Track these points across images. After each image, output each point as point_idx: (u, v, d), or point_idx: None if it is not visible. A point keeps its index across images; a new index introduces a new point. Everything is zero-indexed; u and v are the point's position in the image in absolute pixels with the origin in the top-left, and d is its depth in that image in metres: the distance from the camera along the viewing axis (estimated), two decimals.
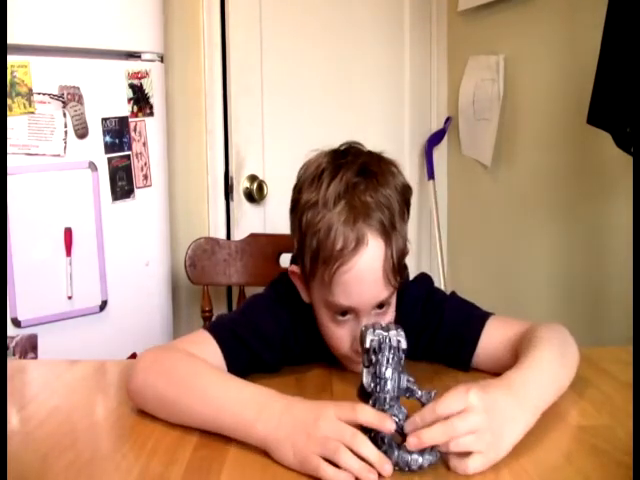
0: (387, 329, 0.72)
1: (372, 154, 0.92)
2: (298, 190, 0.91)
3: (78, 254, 1.52)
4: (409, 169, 2.22)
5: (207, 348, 0.89)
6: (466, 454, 0.68)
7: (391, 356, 0.71)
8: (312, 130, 2.03)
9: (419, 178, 2.28)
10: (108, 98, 1.55)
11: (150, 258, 1.66)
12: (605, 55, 1.37)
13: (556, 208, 1.86)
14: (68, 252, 1.50)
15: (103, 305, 1.57)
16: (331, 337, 0.93)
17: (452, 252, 2.31)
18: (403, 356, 0.72)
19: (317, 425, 0.69)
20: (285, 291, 0.99)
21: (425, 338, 0.98)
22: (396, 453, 0.68)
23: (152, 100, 1.62)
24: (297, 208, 0.90)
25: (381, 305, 0.90)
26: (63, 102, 1.48)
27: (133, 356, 1.56)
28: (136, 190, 1.61)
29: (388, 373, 0.70)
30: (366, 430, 0.69)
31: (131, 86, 1.58)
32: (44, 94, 1.45)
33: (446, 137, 2.30)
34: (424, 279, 1.04)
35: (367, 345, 0.71)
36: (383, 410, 0.70)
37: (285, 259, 1.56)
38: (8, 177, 1.39)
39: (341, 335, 0.92)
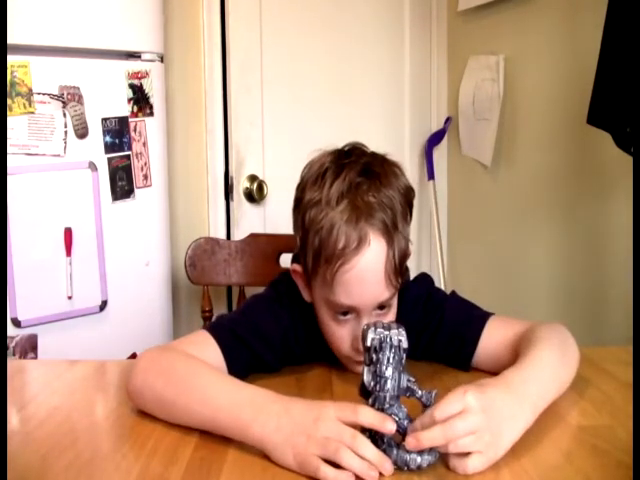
0: (388, 328, 0.72)
1: (376, 155, 0.93)
2: (301, 189, 0.91)
3: (78, 254, 1.52)
4: (409, 169, 2.22)
5: (207, 348, 0.89)
6: (465, 454, 0.68)
7: (392, 355, 0.71)
8: (312, 130, 2.03)
9: (419, 178, 2.28)
10: (108, 98, 1.55)
11: (150, 258, 1.65)
12: (605, 55, 1.37)
13: (556, 208, 1.86)
14: (68, 252, 1.50)
15: (103, 305, 1.57)
16: (332, 336, 0.93)
17: (452, 252, 2.31)
18: (404, 356, 0.72)
19: (317, 426, 0.69)
20: (285, 291, 0.99)
21: (425, 338, 0.98)
22: (395, 452, 0.68)
23: (152, 100, 1.62)
24: (300, 206, 0.90)
25: (382, 306, 0.90)
26: (63, 102, 1.48)
27: (133, 356, 1.56)
28: (136, 190, 1.61)
29: (388, 372, 0.70)
30: (365, 428, 0.69)
31: (131, 86, 1.58)
32: (44, 94, 1.45)
33: (446, 137, 2.30)
34: (424, 279, 1.04)
35: (368, 343, 0.71)
36: (383, 409, 0.70)
37: (285, 259, 1.56)
38: (8, 177, 1.39)
39: (342, 334, 0.92)
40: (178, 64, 1.89)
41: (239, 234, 1.91)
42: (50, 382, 1.00)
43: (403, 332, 0.72)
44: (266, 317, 0.95)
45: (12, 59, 1.39)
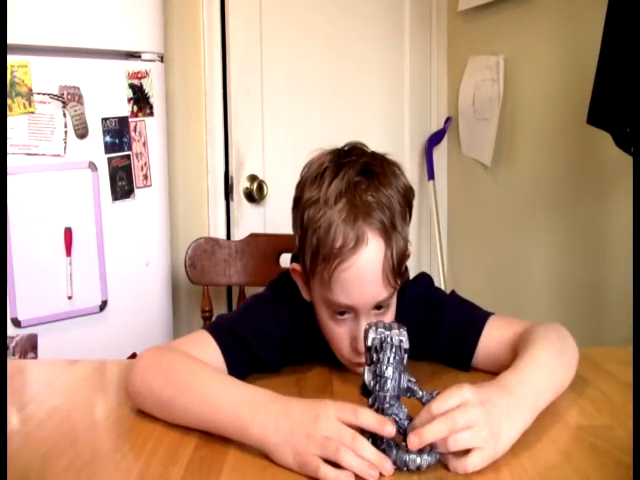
0: (390, 328, 0.72)
1: (375, 155, 0.92)
2: (300, 188, 0.91)
3: (78, 254, 1.52)
4: (409, 169, 2.22)
5: (207, 348, 0.89)
6: (464, 453, 0.68)
7: (392, 355, 0.71)
8: (312, 130, 2.03)
9: (419, 178, 2.28)
10: (108, 98, 1.55)
11: (150, 258, 1.66)
12: (605, 55, 1.37)
13: (556, 208, 1.86)
14: (68, 252, 1.50)
15: (103, 305, 1.57)
16: (331, 336, 0.93)
17: (452, 252, 2.31)
18: (405, 356, 0.72)
19: (316, 426, 0.68)
20: (285, 291, 0.99)
21: (425, 338, 0.98)
22: (394, 452, 0.68)
23: (152, 100, 1.62)
24: (299, 205, 0.90)
25: (380, 306, 0.90)
26: (63, 102, 1.48)
27: (133, 356, 1.56)
28: (136, 190, 1.61)
29: (388, 372, 0.70)
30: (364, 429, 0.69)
31: (131, 86, 1.58)
32: (44, 94, 1.45)
33: (446, 137, 2.30)
34: (424, 278, 1.04)
35: (369, 343, 0.72)
36: (383, 408, 0.70)
37: (285, 259, 1.56)
38: (8, 177, 1.39)
39: (340, 334, 0.92)
40: (178, 64, 1.89)
41: (239, 234, 1.91)
42: (50, 382, 1.00)
43: (404, 332, 0.72)
44: (266, 317, 0.95)
45: (12, 59, 1.39)
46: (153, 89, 1.62)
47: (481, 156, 2.11)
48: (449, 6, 2.25)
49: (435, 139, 2.28)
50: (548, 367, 0.82)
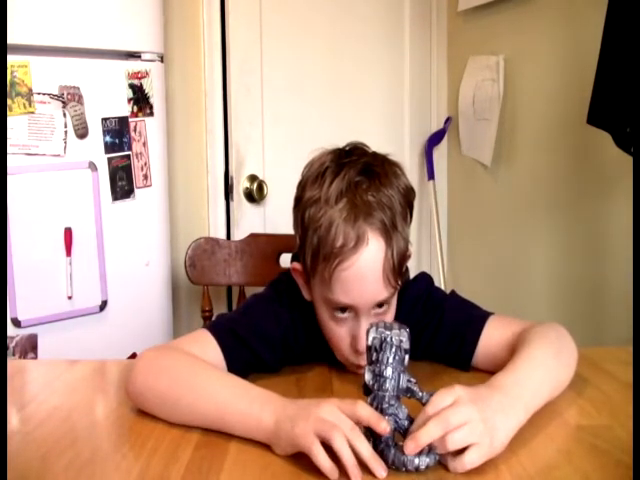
0: (390, 328, 0.72)
1: (376, 155, 0.93)
2: (301, 187, 0.91)
3: (78, 254, 1.52)
4: (409, 169, 2.22)
5: (207, 347, 0.90)
6: (462, 451, 0.68)
7: (392, 355, 0.71)
8: (312, 130, 2.03)
9: (419, 178, 2.28)
10: (108, 98, 1.55)
11: (150, 258, 1.66)
12: (605, 55, 1.37)
13: (556, 208, 1.86)
14: (68, 252, 1.50)
15: (103, 305, 1.57)
16: (332, 336, 0.93)
17: (452, 252, 2.31)
18: (406, 356, 0.72)
19: (318, 409, 0.69)
20: (285, 290, 0.99)
21: (425, 338, 0.98)
22: (392, 452, 0.68)
23: (152, 100, 1.62)
24: (300, 204, 0.91)
25: (380, 305, 0.90)
26: (63, 102, 1.48)
27: (133, 356, 1.56)
28: (136, 190, 1.61)
29: (388, 372, 0.70)
30: (364, 427, 0.69)
31: (131, 86, 1.58)
32: (44, 94, 1.45)
33: (446, 137, 2.30)
34: (424, 278, 1.04)
35: (369, 343, 0.72)
36: (382, 408, 0.70)
37: (285, 259, 1.56)
38: (8, 177, 1.39)
39: (340, 333, 0.92)
40: (178, 64, 1.89)
41: (239, 234, 1.91)
42: (50, 382, 1.00)
43: (405, 333, 0.72)
44: (266, 317, 0.95)
45: (12, 59, 1.39)
46: (153, 89, 1.62)
47: (481, 156, 2.11)
48: (449, 6, 2.25)
49: (435, 139, 2.28)
50: (544, 367, 0.82)
